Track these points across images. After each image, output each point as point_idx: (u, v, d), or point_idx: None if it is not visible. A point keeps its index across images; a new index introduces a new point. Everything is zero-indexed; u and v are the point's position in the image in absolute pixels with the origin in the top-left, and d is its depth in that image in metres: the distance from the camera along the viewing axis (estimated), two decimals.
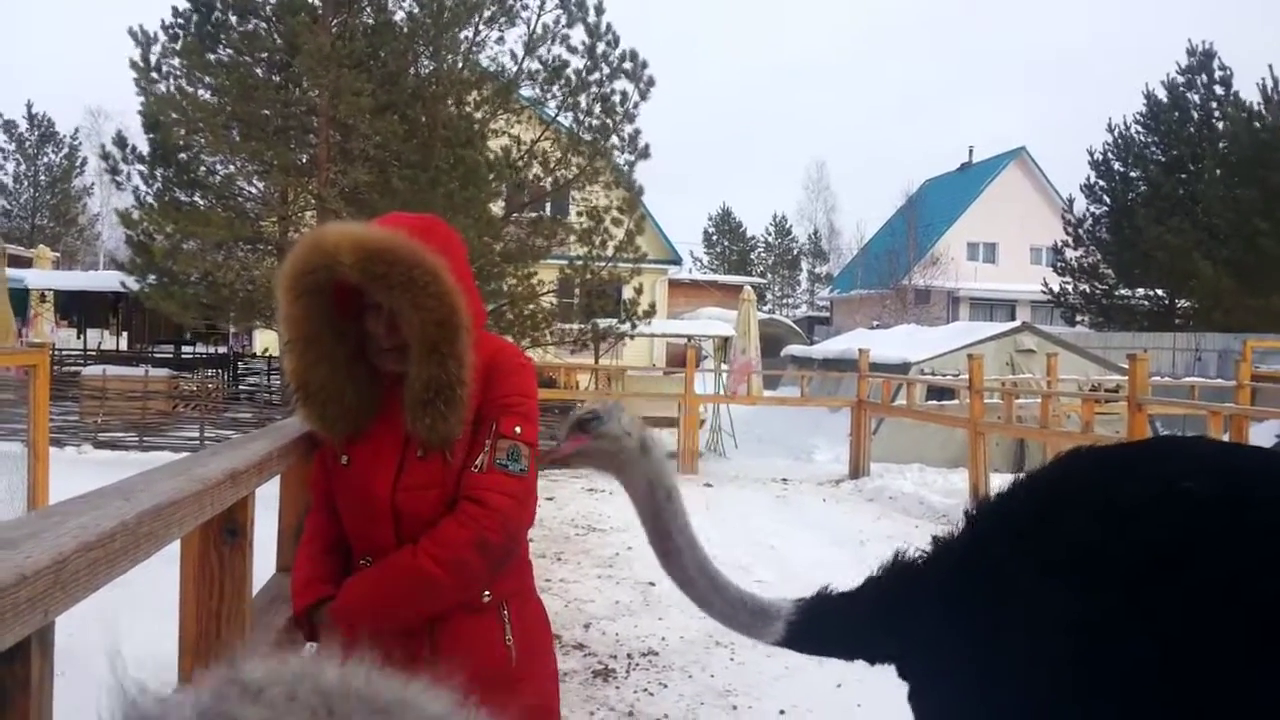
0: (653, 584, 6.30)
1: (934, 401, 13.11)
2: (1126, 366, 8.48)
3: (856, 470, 11.92)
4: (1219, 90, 25.63)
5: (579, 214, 14.93)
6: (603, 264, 14.53)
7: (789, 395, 15.98)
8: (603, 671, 4.93)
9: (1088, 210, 27.86)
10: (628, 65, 14.00)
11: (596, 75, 14.08)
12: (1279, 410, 9.85)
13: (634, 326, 14.70)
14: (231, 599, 1.70)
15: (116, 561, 1.10)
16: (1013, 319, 23.27)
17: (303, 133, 12.00)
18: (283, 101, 11.88)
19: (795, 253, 58.79)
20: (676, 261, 30.59)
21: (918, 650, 1.66)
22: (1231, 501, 1.37)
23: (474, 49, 13.75)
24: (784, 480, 11.77)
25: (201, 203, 12.28)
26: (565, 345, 15.13)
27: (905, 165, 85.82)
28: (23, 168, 41.99)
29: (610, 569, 7.11)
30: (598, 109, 14.15)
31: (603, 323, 14.85)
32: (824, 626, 1.80)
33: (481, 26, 13.65)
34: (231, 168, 12.35)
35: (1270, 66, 22.59)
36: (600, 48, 14.01)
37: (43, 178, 42.23)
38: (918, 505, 10.03)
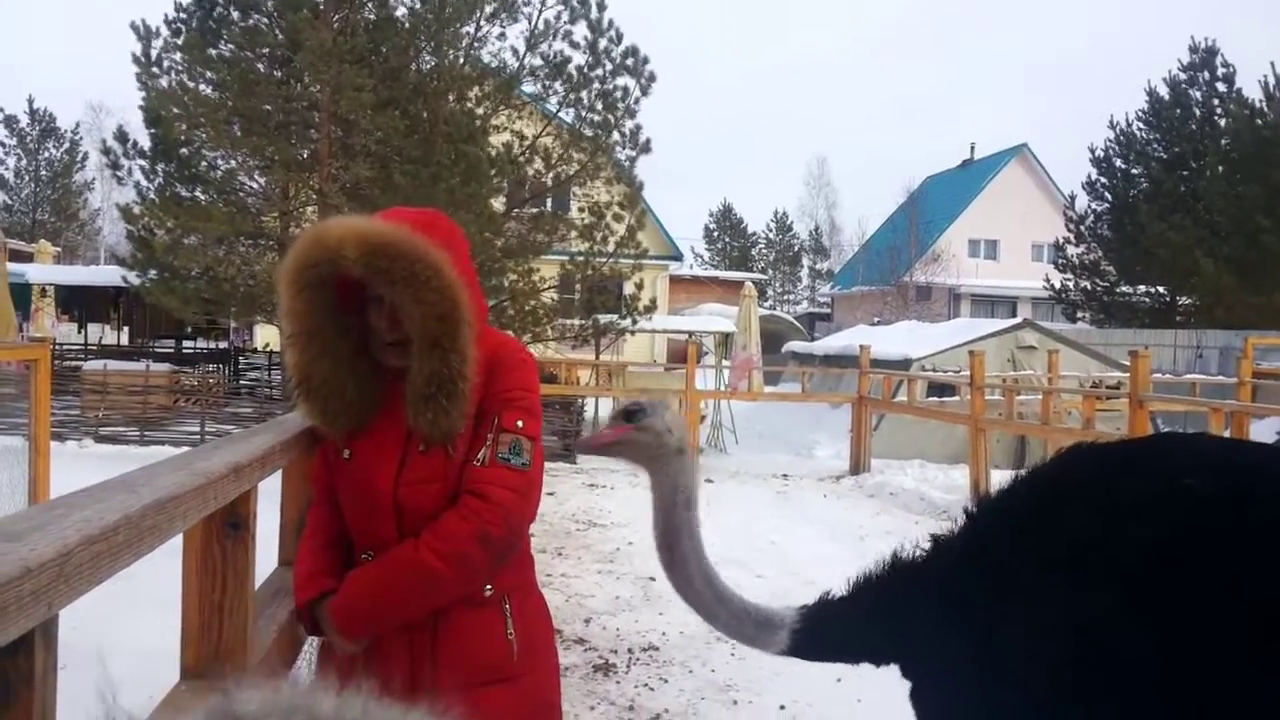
0: (653, 579, 6.30)
1: (935, 398, 13.12)
2: (1128, 363, 8.48)
3: (857, 466, 11.93)
4: (1221, 87, 25.60)
5: (580, 210, 14.93)
6: (604, 260, 14.52)
7: (790, 391, 15.95)
8: (603, 666, 4.94)
9: (1089, 207, 27.84)
10: (629, 61, 13.99)
11: (598, 71, 14.07)
12: None
13: (635, 322, 14.71)
14: (234, 592, 1.70)
15: (120, 554, 1.10)
16: (1014, 316, 23.22)
17: (304, 128, 11.99)
18: (284, 97, 11.88)
19: (796, 249, 58.79)
20: (677, 257, 30.59)
21: (919, 649, 1.66)
22: (1233, 498, 1.37)
23: (476, 45, 13.73)
24: (784, 476, 11.77)
25: (203, 198, 12.28)
26: (566, 341, 15.12)
27: (906, 162, 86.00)
28: (24, 163, 42.04)
29: (611, 564, 7.12)
30: (599, 105, 14.13)
31: (604, 318, 14.86)
32: (827, 633, 1.80)
33: (483, 22, 13.63)
34: (233, 163, 12.36)
35: (1272, 64, 22.51)
36: (602, 44, 14.00)
37: (44, 173, 42.26)
38: (918, 501, 10.03)
